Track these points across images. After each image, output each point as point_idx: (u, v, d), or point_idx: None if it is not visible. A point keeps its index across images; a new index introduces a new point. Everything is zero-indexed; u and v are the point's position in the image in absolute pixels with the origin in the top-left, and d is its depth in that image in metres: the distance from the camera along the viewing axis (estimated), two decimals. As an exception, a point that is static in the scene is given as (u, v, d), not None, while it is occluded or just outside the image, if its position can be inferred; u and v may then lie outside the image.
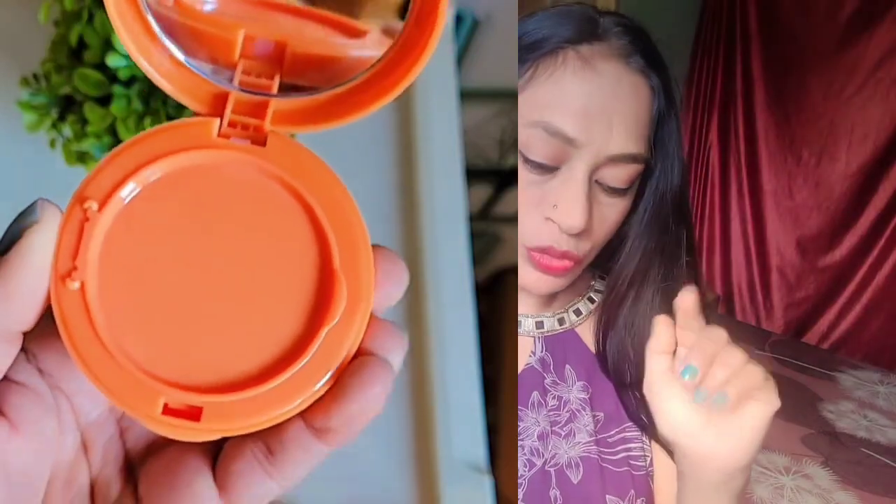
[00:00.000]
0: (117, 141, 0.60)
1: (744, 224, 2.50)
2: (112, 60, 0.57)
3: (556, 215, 0.45)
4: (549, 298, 0.54)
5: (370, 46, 0.30)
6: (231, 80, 0.29)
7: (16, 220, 0.25)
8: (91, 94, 0.59)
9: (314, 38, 0.31)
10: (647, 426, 0.52)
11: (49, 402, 0.27)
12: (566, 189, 0.45)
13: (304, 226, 0.28)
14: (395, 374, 0.27)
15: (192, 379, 0.26)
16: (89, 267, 0.26)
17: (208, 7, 0.30)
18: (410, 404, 0.59)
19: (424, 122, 0.62)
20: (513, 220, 0.52)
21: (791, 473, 1.76)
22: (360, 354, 0.27)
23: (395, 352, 0.27)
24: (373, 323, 0.27)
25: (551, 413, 0.53)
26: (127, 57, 0.57)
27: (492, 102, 0.73)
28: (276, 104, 0.29)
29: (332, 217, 0.27)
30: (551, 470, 0.52)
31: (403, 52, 0.29)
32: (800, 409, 2.03)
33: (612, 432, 0.53)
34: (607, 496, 0.51)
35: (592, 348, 0.55)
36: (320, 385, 0.26)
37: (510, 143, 0.71)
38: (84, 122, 0.60)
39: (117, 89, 0.59)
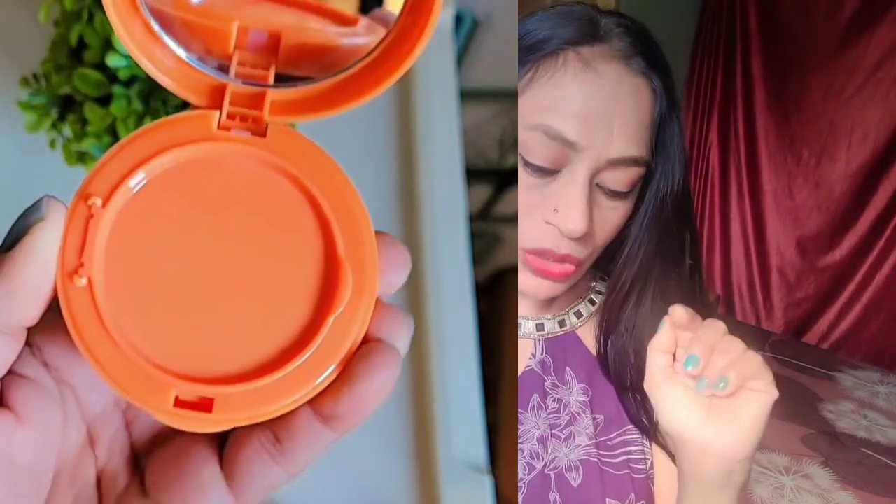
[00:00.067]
0: (117, 141, 0.60)
1: (744, 224, 2.50)
2: (112, 60, 0.57)
3: (556, 219, 0.45)
4: (550, 300, 0.54)
5: (362, 35, 0.30)
6: (227, 71, 0.29)
7: (21, 217, 0.25)
8: (91, 94, 0.59)
9: (307, 27, 0.31)
10: (648, 429, 0.52)
11: (55, 396, 0.27)
12: (567, 193, 0.44)
13: (307, 214, 0.28)
14: (402, 357, 0.27)
15: (202, 371, 0.26)
16: (96, 263, 0.26)
17: (201, -1, 0.30)
18: (410, 404, 0.59)
19: (424, 122, 0.62)
20: (513, 220, 0.52)
21: (791, 473, 1.76)
22: (367, 341, 0.27)
23: (401, 336, 0.27)
24: (378, 308, 0.27)
25: (551, 416, 0.53)
26: (127, 57, 0.57)
27: (492, 102, 0.73)
28: (273, 94, 0.29)
29: (334, 205, 0.28)
30: (551, 473, 0.51)
31: (399, 39, 0.29)
32: (800, 409, 2.03)
33: (612, 435, 0.53)
34: (607, 499, 0.51)
35: (593, 350, 0.54)
36: (329, 372, 0.26)
37: (510, 143, 0.71)
38: (84, 122, 0.60)
39: (117, 89, 0.59)
